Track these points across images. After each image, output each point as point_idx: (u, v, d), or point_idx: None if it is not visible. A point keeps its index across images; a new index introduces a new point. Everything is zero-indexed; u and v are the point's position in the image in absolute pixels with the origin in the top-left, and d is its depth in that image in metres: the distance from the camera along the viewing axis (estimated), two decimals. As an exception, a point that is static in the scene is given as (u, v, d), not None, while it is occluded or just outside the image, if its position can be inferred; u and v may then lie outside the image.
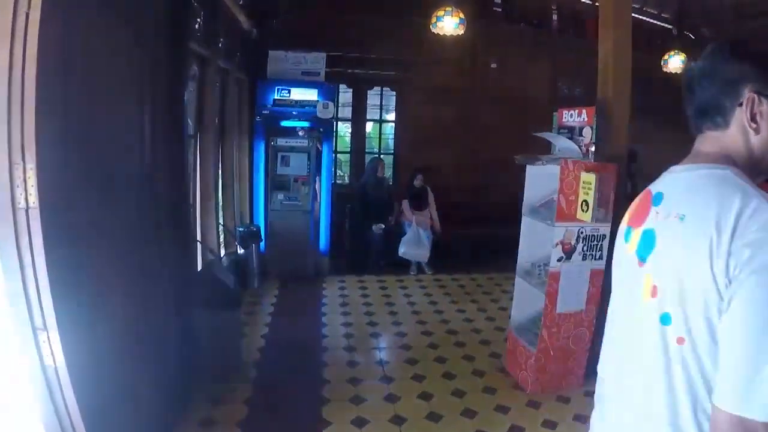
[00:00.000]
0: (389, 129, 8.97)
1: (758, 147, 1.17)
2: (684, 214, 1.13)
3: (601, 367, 1.43)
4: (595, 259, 4.09)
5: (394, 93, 8.59)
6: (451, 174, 8.51)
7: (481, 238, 7.97)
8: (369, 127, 8.92)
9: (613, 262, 1.40)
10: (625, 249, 1.30)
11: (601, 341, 1.45)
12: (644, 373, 1.17)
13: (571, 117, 4.26)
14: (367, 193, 7.27)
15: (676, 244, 1.12)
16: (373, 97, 8.57)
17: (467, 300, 6.47)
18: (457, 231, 7.89)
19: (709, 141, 1.24)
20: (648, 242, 1.21)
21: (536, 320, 4.43)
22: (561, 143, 4.19)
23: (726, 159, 1.18)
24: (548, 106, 9.17)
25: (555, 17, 8.90)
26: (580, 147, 4.04)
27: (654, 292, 1.15)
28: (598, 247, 4.06)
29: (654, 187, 1.29)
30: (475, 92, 8.58)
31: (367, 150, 8.67)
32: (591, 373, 4.63)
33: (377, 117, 8.78)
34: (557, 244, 3.89)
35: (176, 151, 3.82)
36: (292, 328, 5.36)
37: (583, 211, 3.72)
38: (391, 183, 8.34)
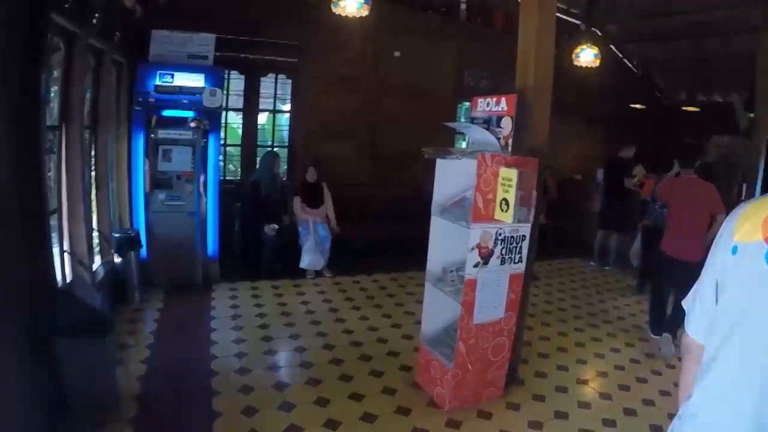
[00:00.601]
0: (285, 120, 8.34)
1: None
2: None
3: (707, 389, 1.40)
4: (514, 263, 3.71)
5: (291, 81, 7.96)
6: (351, 168, 8.04)
7: (383, 235, 7.58)
8: (263, 117, 8.24)
9: (738, 276, 1.36)
10: (766, 272, 1.28)
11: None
12: None
13: (487, 106, 3.84)
14: (259, 191, 6.62)
15: None
16: (267, 84, 7.90)
17: (370, 305, 6.02)
18: (357, 228, 7.46)
19: None
20: None
21: (450, 331, 4.03)
22: (476, 135, 3.77)
23: None
24: (453, 97, 9.04)
25: (463, 6, 8.58)
26: (498, 140, 3.63)
27: None
28: (518, 249, 3.68)
29: None
30: (377, 81, 8.15)
31: (259, 143, 7.98)
32: (511, 381, 4.32)
33: (271, 107, 8.10)
34: (473, 248, 3.46)
35: (29, 143, 3.14)
36: (179, 350, 4.65)
37: (502, 210, 3.32)
38: (285, 179, 7.71)
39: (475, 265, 3.50)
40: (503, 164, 3.36)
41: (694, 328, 1.53)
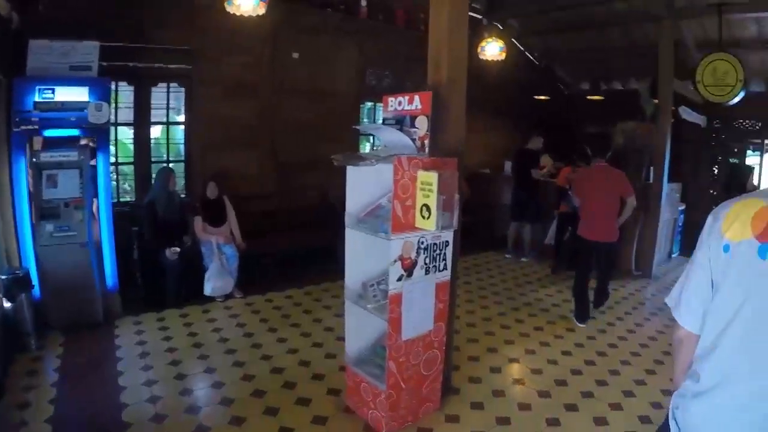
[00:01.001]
0: (181, 132, 7.75)
1: None
2: None
3: (714, 373, 1.54)
4: (439, 271, 3.48)
5: (184, 89, 7.34)
6: (254, 179, 7.61)
7: (293, 246, 7.23)
8: (156, 131, 7.60)
9: (733, 272, 1.50)
10: (763, 266, 1.42)
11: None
12: None
13: (399, 105, 3.58)
14: (156, 212, 6.03)
15: None
16: (159, 95, 7.24)
17: (287, 325, 5.66)
18: (266, 242, 7.09)
19: None
20: None
21: (377, 349, 3.77)
22: (390, 137, 3.50)
23: None
24: (357, 98, 8.81)
25: (363, 2, 8.33)
26: (413, 141, 3.38)
27: None
28: (442, 256, 3.46)
29: None
30: (276, 85, 7.74)
31: (154, 159, 7.28)
32: (446, 392, 4.10)
33: (164, 119, 7.41)
34: (395, 261, 3.20)
35: None
36: (85, 403, 4.02)
37: (423, 217, 3.07)
38: (184, 196, 7.16)
39: (399, 279, 3.24)
40: (421, 167, 3.12)
41: (690, 321, 1.65)
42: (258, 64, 7.60)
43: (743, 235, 1.48)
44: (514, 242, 8.82)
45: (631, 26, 9.55)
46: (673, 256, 9.95)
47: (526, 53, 11.60)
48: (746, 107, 9.82)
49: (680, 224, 10.02)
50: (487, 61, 8.49)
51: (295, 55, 7.83)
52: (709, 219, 1.61)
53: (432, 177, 2.96)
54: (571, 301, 6.53)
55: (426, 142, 3.28)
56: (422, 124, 3.31)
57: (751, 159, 10.98)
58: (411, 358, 3.53)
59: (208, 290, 6.10)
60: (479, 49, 8.13)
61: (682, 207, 9.88)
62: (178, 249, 6.05)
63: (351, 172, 3.55)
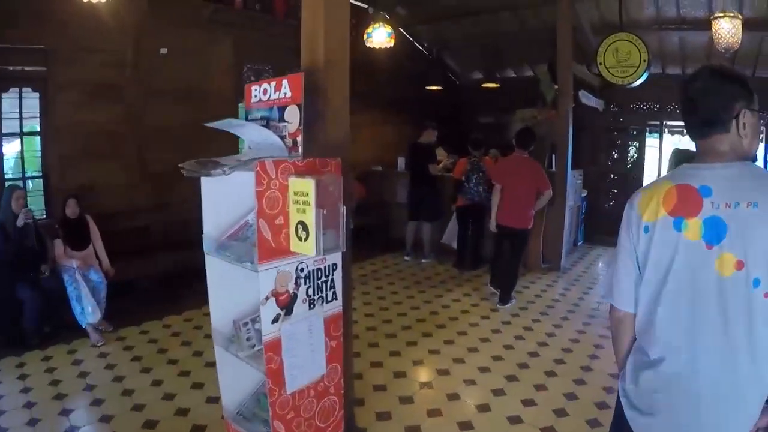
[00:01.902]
0: (38, 143, 6.57)
1: (747, 146, 1.63)
2: (756, 201, 1.51)
3: (657, 342, 1.68)
4: (327, 302, 2.74)
5: (38, 94, 6.20)
6: (121, 193, 6.56)
7: (170, 267, 6.30)
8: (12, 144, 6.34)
9: (655, 248, 1.67)
10: (680, 236, 1.61)
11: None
12: (728, 325, 1.53)
13: (265, 95, 2.79)
14: (7, 238, 4.95)
15: (757, 225, 1.50)
16: (9, 102, 6.06)
17: (163, 362, 4.73)
18: (139, 265, 6.15)
19: (718, 143, 1.64)
20: (716, 228, 1.55)
21: (260, 397, 2.99)
22: (252, 135, 2.70)
23: (737, 155, 1.63)
24: (233, 98, 7.90)
25: (238, -10, 7.45)
26: (283, 139, 2.60)
27: (739, 266, 1.51)
28: (329, 284, 2.71)
29: (691, 182, 1.63)
30: (143, 86, 6.70)
31: (7, 176, 6.07)
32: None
33: (18, 129, 6.22)
34: (268, 298, 2.43)
35: None
36: None
37: (300, 239, 2.32)
38: (44, 216, 6.05)
39: (275, 320, 2.47)
40: (293, 173, 2.36)
41: (624, 302, 1.79)
42: (121, 63, 6.53)
43: (658, 214, 1.64)
44: (413, 243, 8.26)
45: (524, 11, 9.25)
46: (579, 244, 9.76)
47: (416, 43, 11.10)
48: (644, 89, 9.76)
49: (583, 211, 9.84)
50: (375, 50, 7.88)
51: (164, 51, 6.83)
52: (627, 208, 1.77)
53: (308, 185, 2.21)
54: (479, 305, 6.22)
55: (299, 139, 2.51)
56: (293, 117, 2.53)
57: (651, 141, 11.01)
58: (302, 411, 2.78)
59: (88, 320, 5.11)
60: (365, 37, 7.46)
61: (584, 193, 9.70)
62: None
63: (206, 184, 2.74)
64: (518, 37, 10.10)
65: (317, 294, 2.65)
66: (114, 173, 6.49)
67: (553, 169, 8.17)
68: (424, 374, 4.57)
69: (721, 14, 5.87)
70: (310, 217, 2.21)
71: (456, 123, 11.91)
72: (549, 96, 7.69)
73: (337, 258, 2.67)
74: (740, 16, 5.87)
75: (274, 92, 2.67)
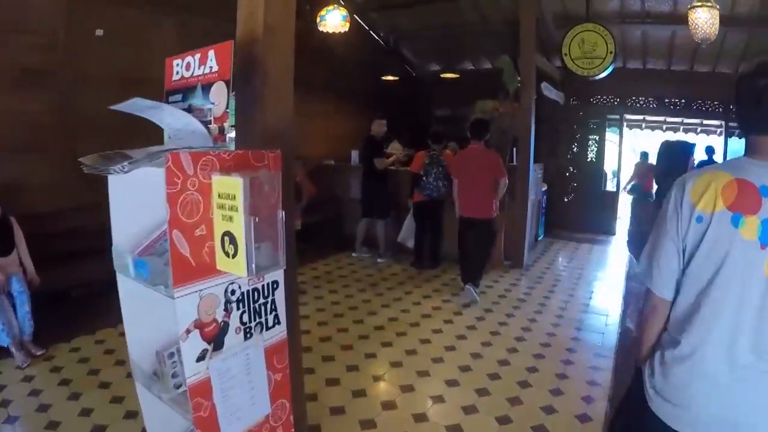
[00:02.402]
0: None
1: None
2: None
3: (695, 334, 1.64)
4: (267, 328, 2.21)
5: None
6: (49, 191, 5.83)
7: (103, 276, 5.62)
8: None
9: (708, 241, 1.59)
10: (736, 233, 1.55)
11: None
12: (764, 328, 1.54)
13: (188, 70, 2.23)
14: None
15: None
16: None
17: (94, 386, 4.08)
18: (70, 271, 5.45)
19: None
20: None
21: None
22: (170, 120, 2.11)
23: None
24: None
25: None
26: (207, 125, 2.05)
27: None
28: (270, 305, 2.19)
29: (752, 179, 1.55)
30: (76, 72, 5.99)
31: None
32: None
33: None
34: (190, 331, 1.88)
35: None
36: None
37: (227, 254, 1.78)
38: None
39: (201, 357, 1.93)
40: (217, 169, 1.82)
41: (661, 288, 1.73)
42: (52, 46, 5.81)
43: (716, 207, 1.58)
44: (367, 241, 7.78)
45: (484, 1, 8.87)
46: (539, 239, 9.46)
47: (372, 32, 10.59)
48: (604, 83, 9.53)
49: (543, 205, 9.54)
50: (329, 37, 7.34)
51: (99, 32, 6.12)
52: (675, 192, 1.68)
53: (235, 185, 1.68)
54: (441, 308, 5.86)
55: (226, 125, 1.97)
56: (219, 97, 1.99)
57: (610, 136, 10.82)
58: (240, 460, 2.26)
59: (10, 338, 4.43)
60: (319, 20, 6.91)
61: (545, 188, 9.40)
62: None
63: (114, 183, 2.18)
64: (478, 28, 9.74)
65: (255, 320, 2.12)
66: (41, 169, 5.77)
67: (515, 163, 7.80)
68: (386, 392, 4.08)
69: (699, 3, 5.55)
70: (239, 227, 1.68)
71: (413, 115, 11.50)
72: (512, 87, 7.29)
73: (278, 274, 2.15)
74: (717, 7, 5.56)
75: (199, 66, 2.13)
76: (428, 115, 11.61)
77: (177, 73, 2.28)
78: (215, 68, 2.04)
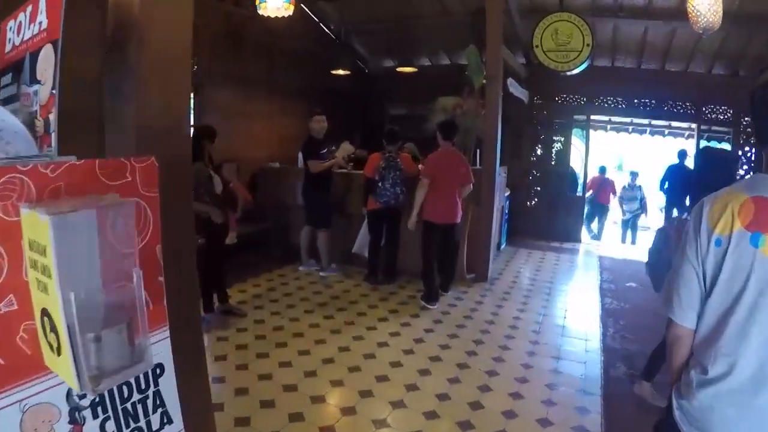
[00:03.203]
0: None
1: None
2: None
3: (722, 358, 1.56)
4: None
5: None
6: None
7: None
8: None
9: (728, 263, 1.54)
10: (756, 252, 1.49)
11: None
12: None
13: (18, 34, 1.41)
14: None
15: None
16: None
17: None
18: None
19: None
20: None
21: None
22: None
23: None
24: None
25: None
26: (34, 119, 1.26)
27: None
28: (154, 401, 1.41)
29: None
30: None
31: None
32: None
33: None
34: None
35: None
36: None
37: (51, 347, 1.01)
38: None
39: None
40: (31, 197, 1.03)
41: (683, 317, 1.68)
42: None
43: (734, 227, 1.54)
44: (313, 251, 6.99)
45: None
46: (501, 247, 8.84)
47: (321, 24, 9.81)
48: (570, 81, 8.99)
49: (506, 211, 8.93)
50: (273, 30, 6.59)
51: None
52: (693, 217, 1.66)
53: (40, 229, 0.90)
54: (400, 333, 5.16)
55: (51, 117, 1.18)
56: (46, 69, 1.19)
57: (576, 138, 10.33)
58: None
59: None
60: (258, 2, 6.08)
61: (508, 192, 8.79)
62: None
63: None
64: (436, 21, 9.07)
65: (128, 426, 1.35)
66: None
67: (479, 165, 7.15)
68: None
69: (700, -13, 4.95)
70: (55, 303, 0.92)
71: (365, 114, 10.78)
72: (477, 81, 6.60)
73: (163, 353, 1.37)
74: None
75: (29, 25, 1.33)
76: (383, 114, 10.90)
77: (9, 41, 1.47)
78: (44, 24, 1.24)
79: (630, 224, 11.26)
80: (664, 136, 12.04)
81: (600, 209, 11.43)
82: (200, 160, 4.80)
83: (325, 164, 6.59)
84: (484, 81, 6.65)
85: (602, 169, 11.63)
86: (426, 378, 4.23)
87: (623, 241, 11.12)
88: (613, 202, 11.90)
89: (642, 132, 12.04)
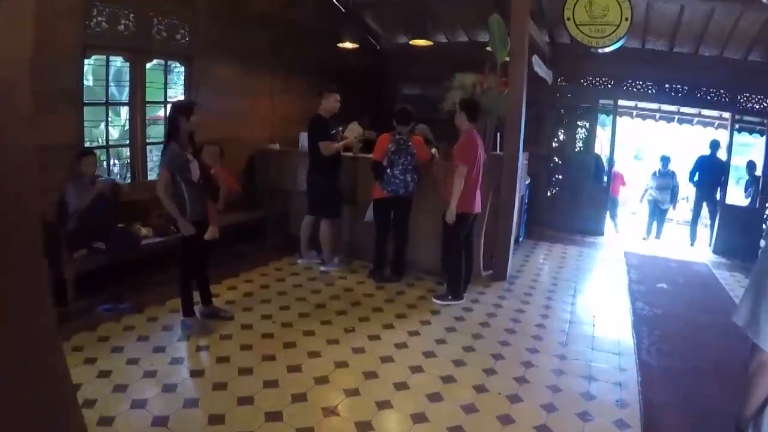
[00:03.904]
0: None
1: None
2: None
3: None
4: None
5: None
6: None
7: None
8: None
9: None
10: None
11: None
12: None
13: None
14: None
15: None
16: None
17: None
18: None
19: None
20: None
21: None
22: None
23: None
24: (76, 51, 5.40)
25: None
26: None
27: None
28: None
29: None
30: None
31: None
32: None
33: None
34: None
35: None
36: None
37: None
38: None
39: None
40: None
41: None
42: None
43: None
44: (315, 242, 6.33)
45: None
46: (520, 240, 8.13)
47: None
48: (597, 62, 8.29)
49: (526, 201, 8.22)
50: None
51: None
52: None
53: None
54: (407, 345, 4.48)
55: None
56: None
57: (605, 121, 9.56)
58: None
59: None
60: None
61: (527, 180, 8.06)
62: None
63: None
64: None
65: None
66: None
67: (498, 151, 6.43)
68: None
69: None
70: None
71: (375, 93, 10.04)
72: (500, 56, 5.80)
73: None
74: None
75: None
76: (395, 94, 10.13)
77: None
78: None
79: (657, 215, 10.20)
80: (692, 124, 11.20)
81: (611, 203, 10.48)
82: (175, 140, 4.12)
83: (337, 145, 5.91)
84: (507, 58, 5.89)
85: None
86: (435, 406, 3.55)
87: (648, 233, 10.06)
88: (623, 194, 11.16)
89: (670, 120, 11.17)
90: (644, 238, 9.80)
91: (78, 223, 4.73)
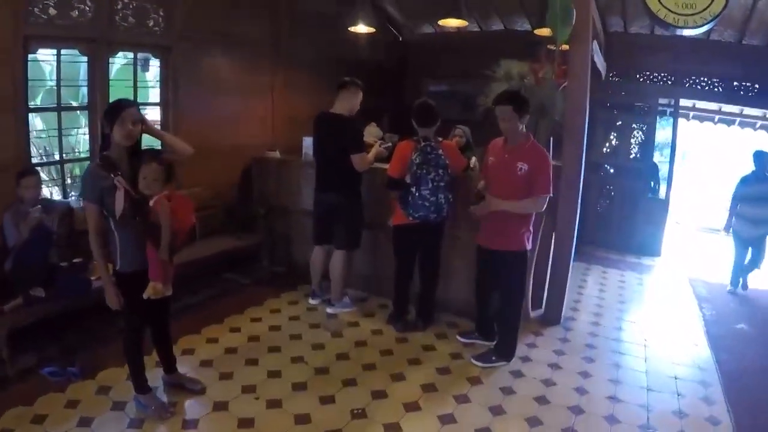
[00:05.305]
0: None
1: None
2: None
3: None
4: None
5: None
6: None
7: None
8: None
9: None
10: None
11: None
12: None
13: None
14: None
15: None
16: None
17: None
18: None
19: None
20: None
21: None
22: None
23: None
24: (15, 46, 4.40)
25: None
26: None
27: None
28: None
29: None
30: None
31: None
32: None
33: None
34: None
35: None
36: None
37: None
38: None
39: None
40: None
41: None
42: None
43: None
44: (323, 277, 5.09)
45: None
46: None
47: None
48: (655, 56, 7.01)
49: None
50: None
51: None
52: None
53: None
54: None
55: None
56: None
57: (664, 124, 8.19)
58: None
59: None
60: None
61: (578, 195, 6.71)
62: None
63: None
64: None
65: None
66: None
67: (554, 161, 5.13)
68: None
69: None
70: None
71: (398, 90, 8.82)
72: (561, 36, 4.44)
73: None
74: None
75: None
76: (419, 90, 8.91)
77: None
78: None
79: (755, 243, 6.44)
80: (755, 129, 9.82)
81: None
82: (105, 159, 2.86)
83: (371, 157, 4.67)
84: (566, 45, 4.58)
85: None
86: None
87: (736, 281, 6.58)
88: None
89: (730, 123, 9.83)
90: (730, 291, 6.59)
91: (13, 262, 3.60)
